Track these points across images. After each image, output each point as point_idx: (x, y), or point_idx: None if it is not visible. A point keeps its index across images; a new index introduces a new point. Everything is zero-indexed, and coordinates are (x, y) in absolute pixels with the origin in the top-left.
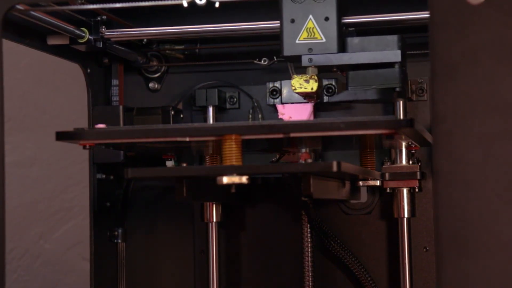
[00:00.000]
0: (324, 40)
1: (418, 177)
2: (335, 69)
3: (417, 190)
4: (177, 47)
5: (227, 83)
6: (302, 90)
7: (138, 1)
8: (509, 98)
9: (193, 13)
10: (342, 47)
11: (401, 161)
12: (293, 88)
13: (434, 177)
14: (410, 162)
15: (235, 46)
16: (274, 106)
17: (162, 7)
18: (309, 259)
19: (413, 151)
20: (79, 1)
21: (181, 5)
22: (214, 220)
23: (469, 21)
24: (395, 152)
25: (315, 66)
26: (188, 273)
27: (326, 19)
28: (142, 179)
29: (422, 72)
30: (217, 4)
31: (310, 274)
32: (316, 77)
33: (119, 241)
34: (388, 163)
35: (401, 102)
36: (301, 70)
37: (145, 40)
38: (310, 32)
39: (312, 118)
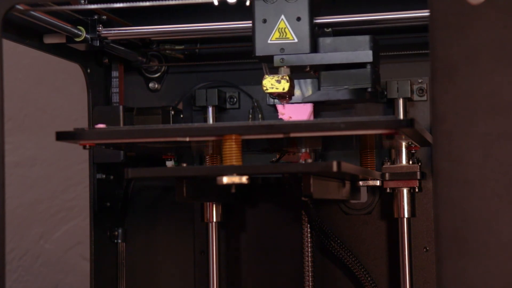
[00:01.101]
0: (296, 40)
1: (418, 177)
2: (307, 69)
3: (417, 190)
4: (177, 47)
5: (227, 83)
6: (274, 90)
7: (138, 1)
8: (509, 98)
9: (193, 14)
10: (314, 47)
11: (401, 161)
12: (265, 88)
13: (434, 177)
14: (410, 162)
15: (235, 46)
16: (274, 106)
17: (162, 7)
18: (309, 259)
19: (413, 151)
20: (81, 1)
21: (182, 5)
22: (214, 220)
23: (469, 21)
24: (395, 152)
25: (287, 66)
26: (188, 274)
27: (298, 19)
28: (142, 179)
29: (422, 72)
30: (247, 2)
31: (310, 274)
32: (288, 77)
33: (119, 241)
34: (388, 163)
35: (401, 102)
36: (277, 70)
37: (147, 40)
38: (282, 32)
39: (312, 118)
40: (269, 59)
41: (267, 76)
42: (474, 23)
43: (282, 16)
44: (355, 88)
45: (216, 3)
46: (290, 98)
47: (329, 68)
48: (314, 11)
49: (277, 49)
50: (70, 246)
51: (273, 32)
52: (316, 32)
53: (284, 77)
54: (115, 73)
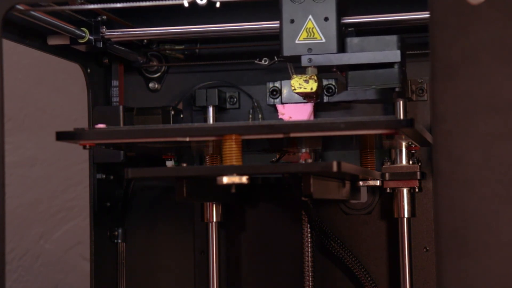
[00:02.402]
0: (323, 40)
1: (418, 177)
2: (334, 69)
3: (417, 190)
4: (177, 47)
5: (227, 83)
6: (302, 90)
7: (138, 1)
8: (509, 98)
9: (193, 13)
10: (342, 47)
11: (401, 161)
12: (293, 88)
13: (434, 177)
14: (410, 162)
15: (235, 46)
16: (274, 106)
17: (162, 7)
18: (309, 259)
19: (413, 151)
20: (79, 1)
21: (182, 5)
22: (214, 220)
23: (469, 21)
24: (395, 152)
25: (315, 66)
26: (188, 274)
27: (326, 19)
28: (142, 179)
29: (422, 72)
30: (217, 4)
31: (310, 274)
32: (315, 77)
33: (119, 241)
34: (388, 163)
35: (401, 102)
36: (301, 70)
37: (145, 40)
38: (309, 32)
39: (312, 118)
40: (296, 59)
41: (295, 76)
42: (474, 23)
43: (310, 16)
44: (382, 88)
45: (186, 4)
46: (317, 98)
47: (356, 68)
48: (342, 11)
49: (304, 49)
50: (70, 246)
51: (301, 32)
52: (343, 32)
53: (312, 77)
54: (115, 73)
